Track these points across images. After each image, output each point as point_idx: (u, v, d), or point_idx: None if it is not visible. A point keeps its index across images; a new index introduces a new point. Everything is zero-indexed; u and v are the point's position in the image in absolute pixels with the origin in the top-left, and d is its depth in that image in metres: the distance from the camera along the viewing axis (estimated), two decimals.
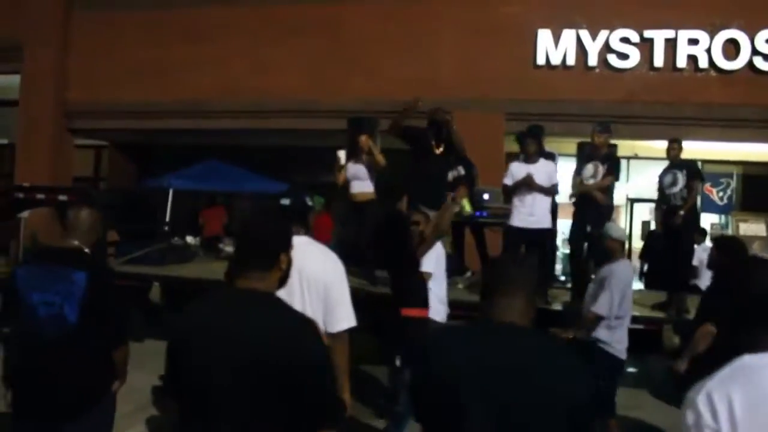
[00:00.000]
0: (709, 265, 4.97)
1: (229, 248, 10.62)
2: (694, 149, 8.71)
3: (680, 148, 6.99)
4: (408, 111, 6.57)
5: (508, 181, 6.69)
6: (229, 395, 1.84)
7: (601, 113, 10.38)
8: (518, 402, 1.72)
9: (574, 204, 6.95)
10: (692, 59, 10.76)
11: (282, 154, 13.89)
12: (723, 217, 13.62)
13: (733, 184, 13.67)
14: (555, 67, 11.04)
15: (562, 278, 9.44)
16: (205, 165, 12.68)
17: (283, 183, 12.64)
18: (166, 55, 12.27)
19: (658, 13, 10.76)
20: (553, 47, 11.01)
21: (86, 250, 3.29)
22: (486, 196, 7.33)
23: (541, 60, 11.06)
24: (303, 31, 11.71)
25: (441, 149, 6.70)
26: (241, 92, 11.88)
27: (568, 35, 10.96)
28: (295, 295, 2.91)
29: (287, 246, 2.18)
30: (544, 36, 11.03)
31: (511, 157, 11.87)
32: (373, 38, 11.40)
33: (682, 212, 6.60)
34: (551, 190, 6.63)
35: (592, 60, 10.93)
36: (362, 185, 7.41)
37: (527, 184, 6.43)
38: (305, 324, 1.99)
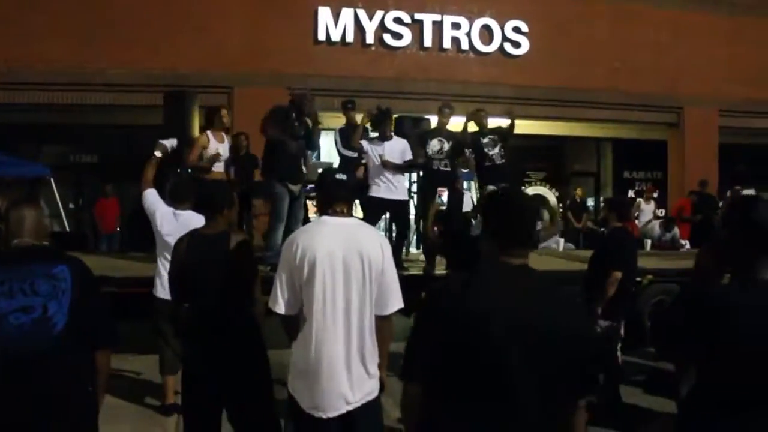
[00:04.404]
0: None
1: None
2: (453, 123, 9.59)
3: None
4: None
5: (366, 159, 7.05)
6: (523, 369, 1.83)
7: (379, 89, 11.08)
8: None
9: (425, 175, 7.36)
10: (455, 41, 11.90)
11: (31, 132, 12.31)
12: (467, 182, 15.10)
13: (468, 152, 15.23)
14: (335, 43, 11.40)
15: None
16: None
17: (39, 166, 11.30)
18: None
19: None
20: (333, 25, 11.34)
21: None
22: (320, 171, 7.36)
23: (321, 36, 11.34)
24: None
25: (302, 130, 6.79)
26: None
27: (347, 13, 11.38)
28: (359, 277, 2.82)
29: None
30: (324, 13, 11.31)
31: None
32: (148, 6, 10.62)
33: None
34: (404, 167, 7.00)
35: (370, 38, 11.49)
36: (219, 165, 7.03)
37: (384, 165, 6.76)
38: (579, 301, 2.05)
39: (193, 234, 3.47)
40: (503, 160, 7.57)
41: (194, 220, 4.25)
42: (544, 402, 1.85)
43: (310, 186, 7.26)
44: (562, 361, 1.87)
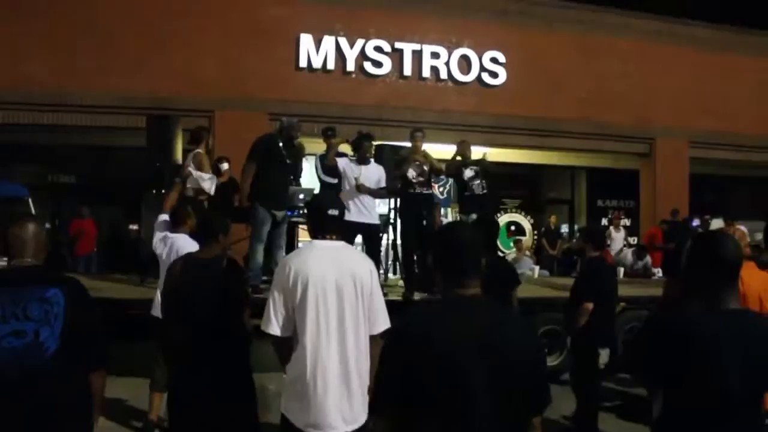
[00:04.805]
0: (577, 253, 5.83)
1: None
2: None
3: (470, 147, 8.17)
4: None
5: (342, 181, 7.17)
6: (478, 394, 1.96)
7: (359, 116, 11.22)
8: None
9: (404, 200, 7.48)
10: (434, 71, 12.18)
11: (8, 151, 12.22)
12: (444, 209, 15.26)
13: (450, 180, 15.40)
14: (316, 70, 11.57)
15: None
16: None
17: (17, 185, 11.24)
18: None
19: (406, 27, 11.99)
20: (315, 52, 11.52)
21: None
22: (302, 196, 7.50)
23: (303, 63, 11.50)
24: (49, 15, 10.51)
25: (291, 158, 6.96)
26: None
27: (328, 41, 11.58)
28: (352, 298, 2.94)
29: None
30: (306, 40, 11.49)
31: None
32: (130, 30, 10.71)
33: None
34: (379, 193, 7.19)
35: (350, 66, 11.69)
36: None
37: (358, 189, 6.90)
38: (533, 326, 2.16)
39: (188, 257, 3.56)
40: (484, 191, 7.79)
41: (181, 243, 4.35)
42: (503, 422, 1.99)
43: (293, 212, 7.41)
44: (517, 383, 2.01)
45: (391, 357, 2.09)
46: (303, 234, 8.24)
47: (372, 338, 3.03)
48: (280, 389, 4.27)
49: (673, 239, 11.34)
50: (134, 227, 13.11)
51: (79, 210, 11.45)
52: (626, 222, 14.58)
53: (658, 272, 10.61)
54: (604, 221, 15.03)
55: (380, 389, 2.11)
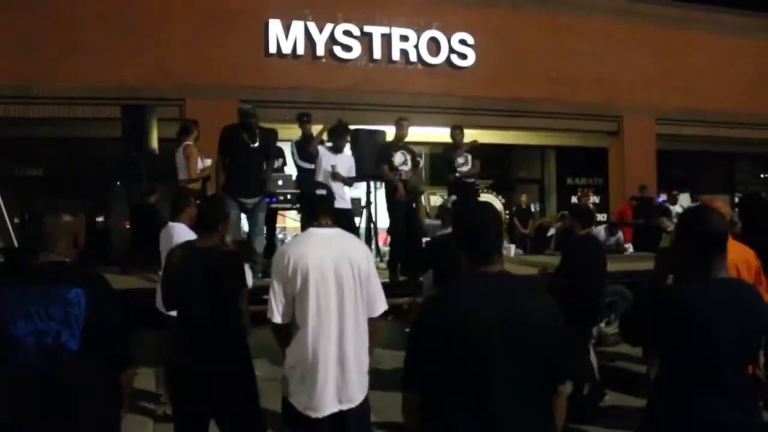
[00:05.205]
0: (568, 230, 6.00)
1: None
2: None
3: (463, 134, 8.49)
4: None
5: (317, 166, 7.37)
6: (505, 365, 2.04)
7: (331, 101, 11.23)
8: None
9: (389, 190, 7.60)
10: (404, 53, 12.19)
11: None
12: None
13: (422, 162, 15.44)
14: (286, 56, 11.48)
15: None
16: None
17: None
18: None
19: (374, 11, 11.98)
20: (284, 37, 11.43)
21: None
22: (280, 183, 7.54)
23: (272, 49, 11.40)
24: (12, 4, 10.22)
25: (257, 143, 6.96)
26: None
27: (297, 26, 11.50)
28: (351, 283, 3.01)
29: None
30: (275, 26, 11.39)
31: None
32: (96, 19, 10.49)
33: None
34: (349, 181, 7.48)
35: (320, 50, 11.63)
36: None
37: (333, 176, 7.12)
38: (553, 299, 2.22)
39: (187, 245, 3.57)
40: (473, 180, 8.05)
41: (178, 232, 4.39)
42: (528, 391, 2.08)
43: (272, 198, 7.46)
44: (541, 353, 2.09)
45: (421, 333, 2.17)
46: (281, 220, 8.30)
47: (371, 320, 3.14)
48: (267, 375, 4.35)
49: (642, 215, 11.60)
50: (100, 219, 12.98)
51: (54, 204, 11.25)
52: (595, 199, 14.82)
53: (630, 247, 10.83)
54: (574, 199, 15.27)
55: (410, 364, 2.18)
